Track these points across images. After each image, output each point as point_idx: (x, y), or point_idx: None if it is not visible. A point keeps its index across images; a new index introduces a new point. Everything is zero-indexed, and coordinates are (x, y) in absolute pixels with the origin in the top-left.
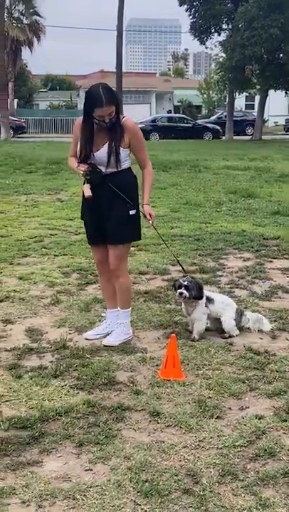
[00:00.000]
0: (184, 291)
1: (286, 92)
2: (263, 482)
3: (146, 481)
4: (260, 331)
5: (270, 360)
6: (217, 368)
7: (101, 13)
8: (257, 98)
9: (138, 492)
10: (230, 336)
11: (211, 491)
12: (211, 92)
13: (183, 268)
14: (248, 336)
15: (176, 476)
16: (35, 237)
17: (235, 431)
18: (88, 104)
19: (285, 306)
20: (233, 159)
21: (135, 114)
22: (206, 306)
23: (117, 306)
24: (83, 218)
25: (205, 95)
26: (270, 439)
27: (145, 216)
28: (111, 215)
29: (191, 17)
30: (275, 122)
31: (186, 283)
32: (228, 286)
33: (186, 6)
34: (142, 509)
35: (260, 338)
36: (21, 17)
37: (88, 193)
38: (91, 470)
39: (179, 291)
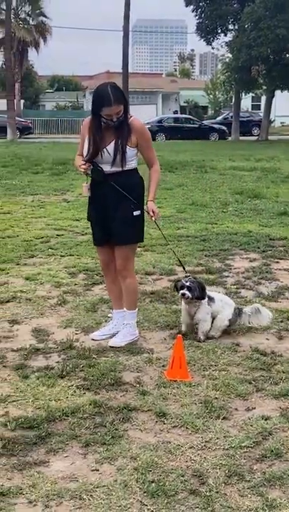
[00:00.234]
0: (187, 292)
1: None
2: (269, 483)
3: (152, 482)
4: (264, 329)
5: (276, 360)
6: (223, 369)
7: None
8: (263, 98)
9: (144, 492)
10: (212, 337)
11: (217, 492)
12: (217, 92)
13: (184, 267)
14: (255, 337)
15: (183, 476)
16: (42, 237)
17: (242, 432)
18: (96, 104)
19: None
20: (240, 160)
21: (141, 115)
22: (208, 305)
23: (123, 306)
24: (90, 219)
25: (211, 96)
26: (276, 440)
27: (148, 213)
28: (116, 215)
29: (197, 17)
30: (281, 123)
31: (188, 283)
32: (235, 286)
33: (192, 7)
34: (148, 509)
35: (267, 339)
36: (28, 18)
37: (86, 192)
38: (97, 470)
39: (181, 291)
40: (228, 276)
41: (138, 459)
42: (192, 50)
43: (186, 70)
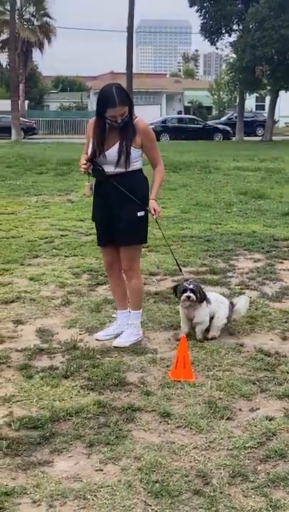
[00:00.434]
0: (192, 295)
1: None
2: (273, 483)
3: (156, 482)
4: (269, 329)
5: (280, 361)
6: (227, 369)
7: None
8: (267, 99)
9: (148, 492)
10: (213, 338)
11: (221, 492)
12: (221, 92)
13: (180, 269)
14: (259, 338)
15: (187, 476)
16: (46, 238)
17: (246, 432)
18: (101, 105)
19: None
20: (244, 160)
21: (146, 115)
22: (206, 307)
23: (127, 307)
24: (94, 219)
25: (215, 96)
26: (280, 441)
27: (150, 211)
28: (121, 215)
29: (201, 18)
30: (285, 123)
31: (191, 286)
32: (239, 287)
33: (196, 7)
34: (152, 509)
35: (271, 340)
36: (32, 19)
37: (88, 191)
38: (102, 470)
39: (186, 294)
40: (232, 277)
41: (142, 459)
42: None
43: (191, 71)
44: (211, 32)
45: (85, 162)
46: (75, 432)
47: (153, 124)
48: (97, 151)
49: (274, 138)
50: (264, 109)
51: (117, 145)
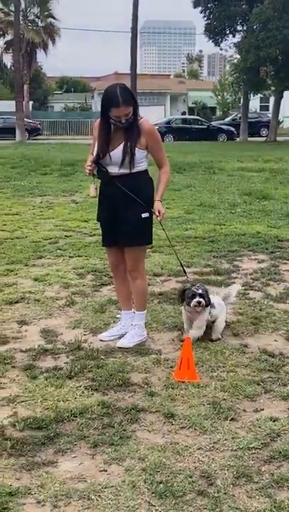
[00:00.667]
0: (202, 300)
1: None
2: (277, 484)
3: (160, 482)
4: (273, 330)
5: (284, 362)
6: (232, 370)
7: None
8: (272, 99)
9: (152, 493)
10: (217, 339)
11: (225, 493)
12: (225, 93)
13: (185, 272)
14: (263, 338)
15: (191, 477)
16: (50, 238)
17: (250, 433)
18: (105, 105)
19: None
20: (248, 161)
21: (150, 116)
22: (209, 312)
23: (131, 307)
24: (99, 220)
25: (219, 97)
26: (284, 442)
27: (154, 213)
28: (126, 216)
29: (205, 18)
30: None
31: (200, 291)
32: (243, 288)
33: (200, 8)
34: (156, 510)
35: (275, 341)
36: (36, 19)
37: (93, 192)
38: (106, 471)
39: (197, 300)
40: (236, 278)
41: (146, 459)
42: (200, 51)
43: (195, 71)
44: (215, 33)
45: (90, 164)
46: (80, 432)
47: (157, 125)
48: (102, 151)
49: (278, 138)
50: (268, 110)
51: (121, 146)
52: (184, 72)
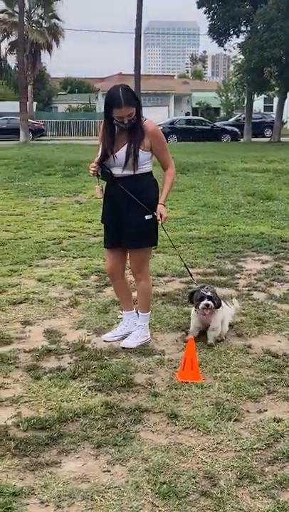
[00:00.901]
0: (210, 302)
1: None
2: (281, 485)
3: (163, 483)
4: (277, 331)
5: (288, 363)
6: (235, 371)
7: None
8: (275, 100)
9: (156, 494)
10: (221, 340)
11: (228, 494)
12: (229, 94)
13: (191, 275)
14: (267, 339)
15: (194, 478)
16: (54, 239)
17: (253, 434)
18: (107, 105)
19: None
20: (252, 161)
21: (153, 117)
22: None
23: (133, 308)
24: (103, 221)
25: (223, 97)
26: (288, 442)
27: (156, 216)
28: (129, 218)
29: (209, 19)
30: None
31: (209, 293)
32: (246, 288)
33: (204, 8)
34: (159, 510)
35: (279, 341)
36: (40, 20)
37: (98, 194)
38: (109, 471)
39: (205, 302)
40: (239, 278)
41: (149, 460)
42: (204, 52)
43: (199, 72)
44: (219, 33)
45: (94, 165)
46: (83, 432)
47: (161, 126)
48: (106, 153)
49: (282, 139)
50: (272, 111)
51: (125, 147)
52: (187, 72)
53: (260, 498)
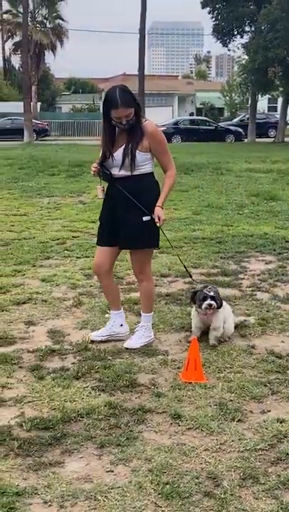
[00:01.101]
0: (213, 302)
1: None
2: (284, 486)
3: (167, 483)
4: (280, 331)
5: None
6: (239, 371)
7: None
8: (280, 100)
9: (159, 494)
10: (225, 340)
11: (231, 494)
12: (233, 94)
13: (190, 275)
14: (270, 340)
15: (197, 478)
16: (58, 239)
17: (257, 434)
18: (105, 106)
19: None
20: (256, 162)
21: (158, 117)
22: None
23: (120, 307)
24: (100, 220)
25: (227, 98)
26: None
27: (153, 218)
28: (127, 219)
29: (213, 19)
30: None
31: (212, 293)
32: (250, 289)
33: (208, 9)
34: (162, 511)
35: (282, 342)
36: (44, 21)
37: (100, 194)
38: (112, 471)
39: (208, 302)
40: (243, 279)
41: (153, 460)
42: (208, 52)
43: (203, 72)
44: (223, 33)
45: (95, 165)
46: (86, 432)
47: (165, 126)
48: (106, 153)
49: (286, 139)
50: (276, 111)
51: (122, 147)
52: (191, 73)
53: (264, 498)
